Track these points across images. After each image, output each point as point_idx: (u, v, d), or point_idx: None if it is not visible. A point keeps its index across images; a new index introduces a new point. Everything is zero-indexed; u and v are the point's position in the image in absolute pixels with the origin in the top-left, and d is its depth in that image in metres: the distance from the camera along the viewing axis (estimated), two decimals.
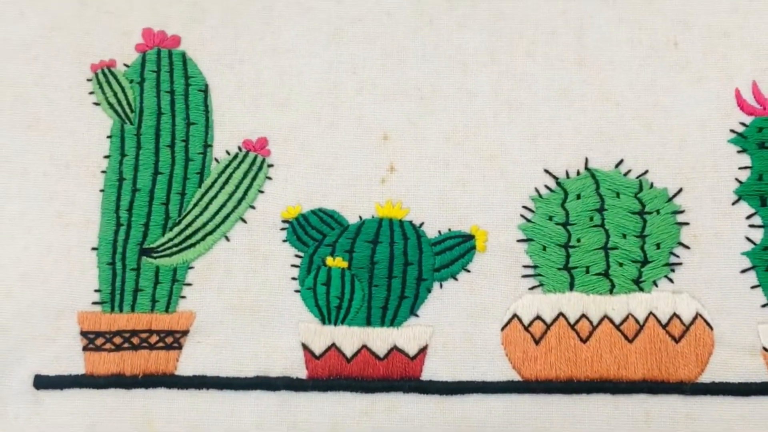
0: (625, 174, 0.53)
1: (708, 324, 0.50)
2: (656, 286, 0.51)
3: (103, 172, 0.54)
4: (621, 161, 0.53)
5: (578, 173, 0.52)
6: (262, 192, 0.54)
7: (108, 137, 0.55)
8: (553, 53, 0.53)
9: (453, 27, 0.55)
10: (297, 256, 0.52)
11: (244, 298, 0.53)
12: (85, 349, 0.49)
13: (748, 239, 0.51)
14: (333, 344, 0.50)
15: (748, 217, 0.52)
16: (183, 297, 0.51)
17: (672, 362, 0.49)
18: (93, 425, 0.49)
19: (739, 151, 0.52)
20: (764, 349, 0.51)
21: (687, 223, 0.52)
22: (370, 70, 0.54)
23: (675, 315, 0.51)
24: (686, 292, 0.52)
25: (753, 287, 0.51)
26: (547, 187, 0.53)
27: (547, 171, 0.53)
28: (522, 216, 0.53)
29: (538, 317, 0.52)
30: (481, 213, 0.53)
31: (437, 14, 0.54)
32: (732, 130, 0.53)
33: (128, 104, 0.52)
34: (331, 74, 0.55)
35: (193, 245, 0.53)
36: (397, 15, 0.54)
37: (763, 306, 0.52)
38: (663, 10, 0.55)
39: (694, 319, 0.51)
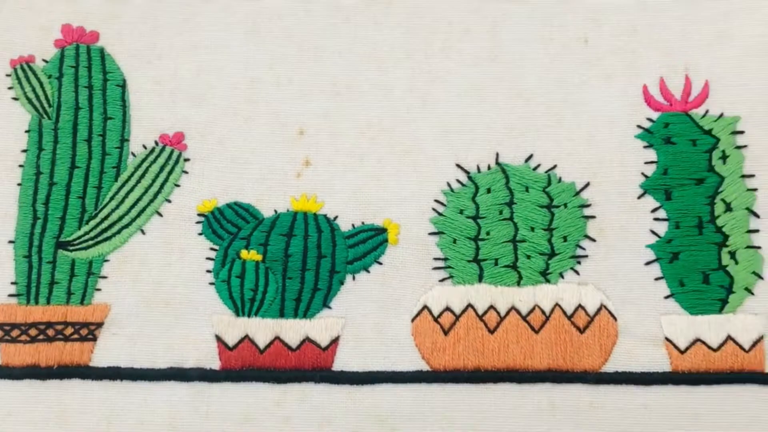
0: (535, 168, 0.54)
1: (612, 315, 0.51)
2: (562, 277, 0.52)
3: (21, 166, 0.54)
4: (531, 156, 0.53)
5: (489, 168, 0.53)
6: (178, 186, 0.54)
7: (26, 132, 0.55)
8: (467, 50, 0.54)
9: (369, 24, 0.55)
10: (212, 249, 0.52)
11: (158, 290, 0.54)
12: (0, 340, 0.49)
13: (653, 232, 0.52)
14: (246, 336, 0.50)
15: (653, 210, 0.53)
16: (98, 289, 0.51)
17: (576, 352, 0.50)
18: (8, 414, 0.50)
19: (645, 146, 0.53)
20: (666, 339, 0.51)
21: (593, 217, 0.53)
22: (287, 66, 0.55)
23: (580, 306, 0.52)
24: (591, 284, 0.53)
25: (657, 279, 0.52)
26: (458, 181, 0.53)
27: (458, 165, 0.54)
28: (434, 209, 0.53)
29: (448, 308, 0.52)
30: (394, 206, 0.54)
31: (354, 11, 0.55)
32: (639, 126, 0.54)
33: (46, 99, 0.52)
34: (248, 70, 0.55)
35: (108, 238, 0.53)
36: (314, 11, 0.55)
37: (666, 297, 0.53)
38: (574, 7, 0.56)
39: (599, 310, 0.52)
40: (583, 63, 0.56)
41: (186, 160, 0.55)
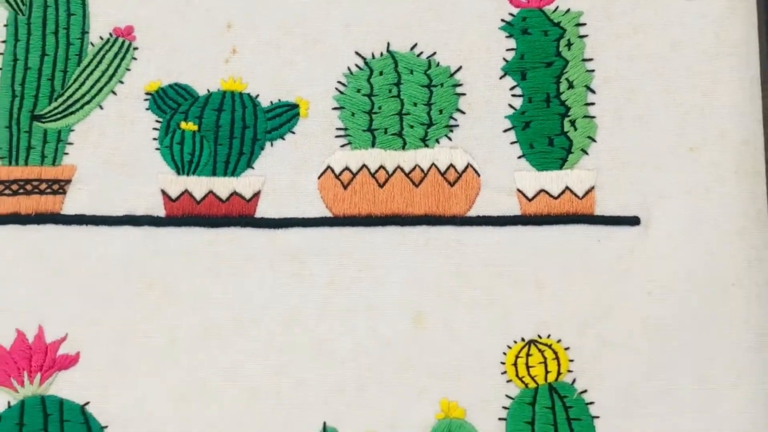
0: (418, 55, 0.60)
1: (476, 172, 0.59)
2: (438, 143, 0.60)
3: (0, 54, 0.60)
4: (415, 45, 0.60)
5: (381, 55, 0.59)
6: (129, 70, 0.60)
7: (4, 26, 0.61)
8: None
9: None
10: (157, 121, 0.59)
11: (115, 154, 0.60)
12: None
13: (511, 106, 0.59)
14: (186, 190, 0.58)
15: (512, 88, 0.60)
16: (66, 153, 0.58)
17: (447, 201, 0.58)
18: None
19: (507, 37, 0.60)
20: (518, 190, 0.59)
21: (464, 94, 0.60)
22: None
23: (451, 165, 0.59)
24: (461, 148, 0.60)
25: (512, 143, 0.60)
26: (357, 66, 0.60)
27: (357, 53, 0.60)
28: (336, 89, 0.60)
29: (347, 168, 0.60)
30: (305, 87, 0.60)
31: None
32: (503, 20, 0.60)
33: None
34: None
35: (73, 112, 0.60)
36: None
37: (519, 157, 0.60)
38: None
39: (466, 168, 0.59)
40: None
41: (135, 48, 0.61)
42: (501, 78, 0.60)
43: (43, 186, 0.58)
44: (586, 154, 0.59)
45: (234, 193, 0.59)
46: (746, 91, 0.60)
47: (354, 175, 0.60)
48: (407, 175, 0.60)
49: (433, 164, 0.60)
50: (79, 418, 0.54)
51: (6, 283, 0.58)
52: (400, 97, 0.60)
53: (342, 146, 0.60)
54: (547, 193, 0.59)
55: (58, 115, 0.61)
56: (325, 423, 0.56)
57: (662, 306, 0.57)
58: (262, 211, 0.59)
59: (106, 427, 0.54)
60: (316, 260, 0.58)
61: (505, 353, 0.57)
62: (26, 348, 0.55)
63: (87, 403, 0.54)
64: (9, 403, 0.54)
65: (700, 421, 0.58)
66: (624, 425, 0.57)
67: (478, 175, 0.59)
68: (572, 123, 0.59)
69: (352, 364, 0.58)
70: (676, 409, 0.58)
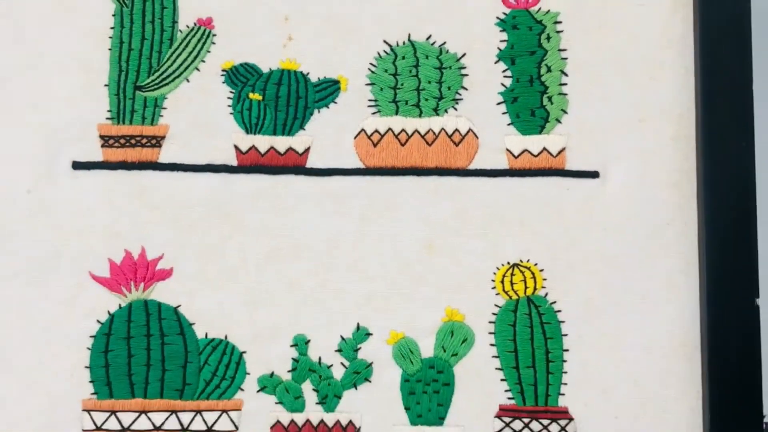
0: (432, 44, 0.68)
1: (475, 135, 0.67)
2: (446, 112, 0.67)
3: (110, 38, 0.68)
4: (429, 36, 0.68)
5: (404, 43, 0.68)
6: (209, 52, 0.68)
7: (113, 16, 0.68)
8: None
9: None
10: (231, 92, 0.67)
11: (198, 117, 0.67)
12: (103, 146, 0.66)
13: (503, 85, 0.67)
14: (253, 146, 0.66)
15: (504, 71, 0.67)
16: (161, 116, 0.66)
17: (453, 157, 0.67)
18: (109, 190, 0.66)
19: (500, 31, 0.68)
20: (507, 150, 0.67)
21: (467, 75, 0.68)
22: None
23: (456, 130, 0.67)
24: (464, 116, 0.68)
25: (503, 113, 0.67)
26: (385, 51, 0.68)
27: (385, 41, 0.68)
28: (369, 69, 0.68)
29: (376, 131, 0.67)
30: (345, 67, 0.68)
31: None
32: (498, 18, 0.68)
33: None
34: None
35: (166, 84, 0.67)
36: None
37: (508, 125, 0.67)
38: None
39: (467, 132, 0.67)
40: None
41: (214, 35, 0.68)
42: (495, 63, 0.68)
43: (144, 141, 0.66)
44: (560, 122, 0.67)
45: (290, 149, 0.67)
46: (683, 76, 0.67)
47: (381, 136, 0.68)
48: (422, 136, 0.68)
49: (442, 129, 0.68)
50: (172, 316, 0.63)
51: (116, 215, 0.66)
52: (417, 77, 0.68)
53: (372, 114, 0.68)
54: (529, 152, 0.67)
55: (155, 87, 0.68)
56: (358, 324, 0.64)
57: (615, 240, 0.66)
58: (311, 162, 0.67)
59: (194, 324, 0.63)
60: (352, 201, 0.66)
61: (495, 273, 0.66)
62: (132, 264, 0.64)
63: (179, 306, 0.64)
64: (120, 305, 0.64)
65: (642, 328, 0.65)
66: (583, 328, 0.65)
67: (477, 138, 0.68)
68: (549, 99, 0.68)
69: (379, 280, 0.66)
70: (623, 317, 0.66)
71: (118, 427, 0.62)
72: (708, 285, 0.64)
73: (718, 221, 0.64)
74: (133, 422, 0.62)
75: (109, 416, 0.62)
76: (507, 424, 0.63)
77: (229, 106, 0.68)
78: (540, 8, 0.68)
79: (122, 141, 0.67)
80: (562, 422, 0.64)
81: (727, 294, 0.63)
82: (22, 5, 0.67)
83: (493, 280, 0.65)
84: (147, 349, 0.63)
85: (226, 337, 0.64)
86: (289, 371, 0.64)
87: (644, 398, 0.64)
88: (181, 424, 0.62)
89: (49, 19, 0.67)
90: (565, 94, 0.67)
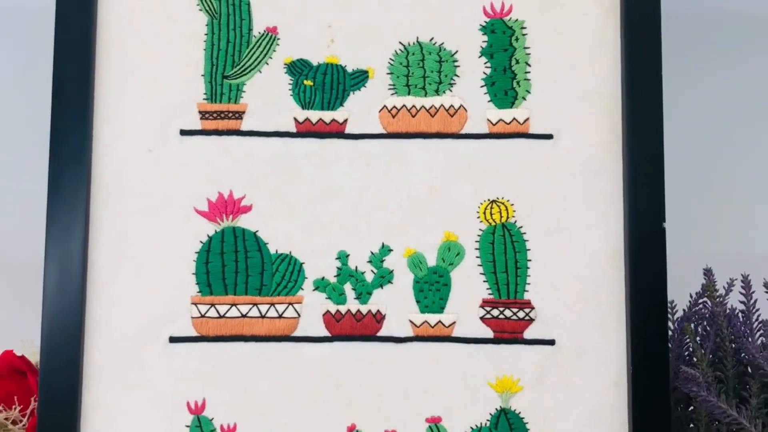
0: (434, 44, 0.77)
1: (465, 109, 0.77)
2: (444, 93, 0.77)
3: (204, 41, 0.77)
4: (432, 38, 0.77)
5: (414, 44, 0.77)
6: (275, 51, 0.77)
7: (206, 25, 0.77)
8: None
9: None
10: (291, 80, 0.77)
11: (268, 97, 0.76)
12: (201, 119, 0.74)
13: (484, 73, 0.77)
14: (307, 118, 0.76)
15: (485, 63, 0.77)
16: (242, 97, 0.76)
17: (449, 125, 0.76)
18: (206, 150, 0.75)
19: (483, 34, 0.78)
20: (487, 119, 0.76)
21: (459, 66, 0.77)
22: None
23: (451, 105, 0.77)
24: (457, 96, 0.77)
25: (485, 94, 0.76)
26: (400, 50, 0.77)
27: (400, 42, 0.77)
28: (389, 62, 0.77)
29: (394, 106, 0.77)
30: (372, 61, 0.77)
31: None
32: (480, 24, 0.77)
33: (213, 9, 0.76)
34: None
35: (245, 74, 0.77)
36: None
37: (488, 101, 0.76)
38: None
39: (459, 107, 0.77)
40: None
41: (278, 39, 0.77)
42: (479, 58, 0.78)
43: (230, 114, 0.76)
44: (525, 100, 0.77)
45: (333, 120, 0.77)
46: (612, 67, 0.77)
47: (398, 110, 0.77)
48: (427, 110, 0.77)
49: (441, 105, 0.77)
50: (252, 238, 0.75)
51: (211, 168, 0.75)
52: (423, 68, 0.77)
53: (391, 94, 0.77)
54: (503, 121, 0.77)
55: (237, 76, 0.77)
56: (383, 243, 0.75)
57: (564, 183, 0.76)
58: (348, 129, 0.77)
59: (267, 243, 0.74)
60: (377, 157, 0.77)
61: (479, 207, 0.76)
62: (223, 202, 0.75)
63: (257, 231, 0.75)
64: (215, 230, 0.75)
65: (583, 244, 0.75)
66: (541, 245, 0.75)
67: (466, 111, 0.77)
68: (518, 83, 0.77)
69: (397, 212, 0.76)
70: (570, 237, 0.76)
71: (216, 315, 0.75)
72: (629, 213, 0.75)
73: (636, 169, 0.75)
74: (226, 312, 0.75)
75: (210, 308, 0.75)
76: (488, 312, 0.76)
77: (290, 89, 0.77)
78: (511, 18, 0.78)
79: (214, 115, 0.76)
80: (527, 310, 0.76)
81: (642, 219, 0.75)
82: (141, 18, 0.76)
83: (477, 212, 0.76)
84: (235, 261, 0.75)
85: (290, 253, 0.76)
86: (334, 276, 0.76)
87: (584, 292, 0.75)
88: (260, 312, 0.75)
89: (161, 27, 0.77)
90: (529, 80, 0.77)
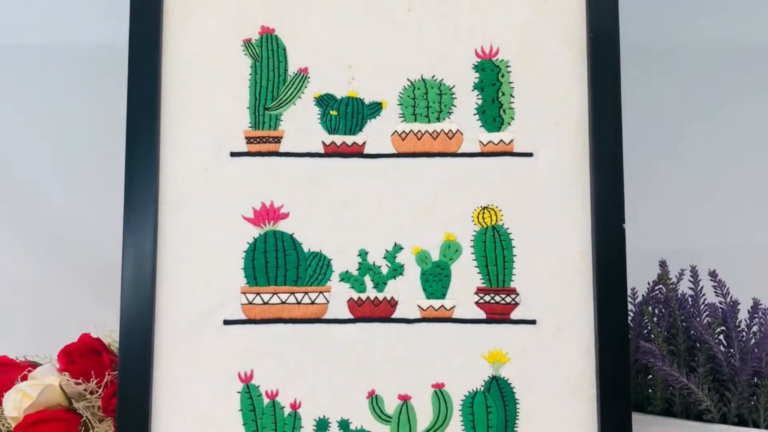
0: (435, 80, 0.84)
1: (461, 133, 0.83)
2: (444, 120, 0.84)
3: (249, 79, 0.84)
4: (434, 75, 0.84)
5: (419, 80, 0.84)
6: (306, 87, 0.84)
7: (250, 66, 0.84)
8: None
9: None
10: (319, 111, 0.84)
11: (301, 125, 0.82)
12: (247, 143, 0.81)
13: (477, 103, 0.83)
14: (332, 141, 0.83)
15: (477, 96, 0.83)
16: (280, 125, 0.83)
17: (448, 146, 0.83)
18: (251, 169, 0.82)
19: (475, 72, 0.85)
20: (479, 140, 0.82)
21: (456, 98, 0.84)
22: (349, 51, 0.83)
23: (450, 130, 0.83)
24: (455, 122, 0.84)
25: (477, 120, 0.82)
26: (407, 85, 0.85)
27: (408, 79, 0.84)
28: (398, 96, 0.84)
29: (404, 131, 0.84)
30: (384, 94, 0.84)
31: None
32: (473, 64, 0.84)
33: (256, 53, 0.83)
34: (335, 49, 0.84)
35: (282, 106, 0.84)
36: None
37: (480, 126, 0.82)
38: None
39: (456, 131, 0.84)
40: (453, 32, 0.83)
41: (309, 78, 0.84)
42: (472, 91, 0.85)
43: (270, 139, 0.83)
44: (510, 125, 0.84)
45: (354, 143, 0.84)
46: (582, 99, 0.83)
47: (407, 134, 0.85)
48: (430, 134, 0.84)
49: (442, 129, 0.84)
50: (289, 239, 0.82)
51: (255, 182, 0.82)
52: (427, 100, 0.84)
53: (401, 121, 0.84)
54: (492, 142, 0.84)
55: (276, 108, 0.84)
56: (395, 242, 0.82)
57: (542, 192, 0.83)
58: (367, 150, 0.84)
59: (302, 243, 0.82)
60: (390, 172, 0.83)
61: (473, 212, 0.83)
62: (266, 210, 0.82)
63: (293, 233, 0.83)
64: (259, 233, 0.82)
65: (557, 242, 0.81)
66: (525, 243, 0.82)
67: (462, 134, 0.84)
68: (504, 111, 0.84)
69: (407, 217, 0.83)
70: (547, 237, 0.81)
71: (261, 302, 0.83)
72: (595, 217, 0.81)
73: (601, 180, 0.81)
74: (269, 299, 0.83)
75: (256, 296, 0.83)
76: (481, 297, 0.83)
77: (319, 118, 0.84)
78: (498, 58, 0.84)
79: (258, 140, 0.83)
80: (513, 296, 0.83)
81: (606, 221, 0.81)
82: (199, 61, 0.83)
83: (472, 216, 0.83)
84: (276, 258, 0.83)
85: (320, 251, 0.83)
86: (356, 270, 0.83)
87: (559, 281, 0.82)
88: (296, 299, 0.83)
89: (215, 69, 0.84)
90: (513, 109, 0.84)
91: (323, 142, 0.85)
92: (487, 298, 0.85)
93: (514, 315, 0.84)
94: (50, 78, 1.22)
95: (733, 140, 1.23)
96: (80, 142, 1.17)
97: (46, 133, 1.22)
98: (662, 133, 1.25)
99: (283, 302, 0.84)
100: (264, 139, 0.85)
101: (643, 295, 1.01)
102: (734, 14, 1.23)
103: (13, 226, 1.23)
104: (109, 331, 1.00)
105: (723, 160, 1.24)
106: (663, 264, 0.99)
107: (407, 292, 0.84)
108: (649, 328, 0.97)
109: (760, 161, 1.24)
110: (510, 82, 0.85)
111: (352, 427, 0.84)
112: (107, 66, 1.09)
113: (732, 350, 0.93)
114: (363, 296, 0.85)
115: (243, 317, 0.85)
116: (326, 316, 0.85)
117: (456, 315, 0.84)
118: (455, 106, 0.86)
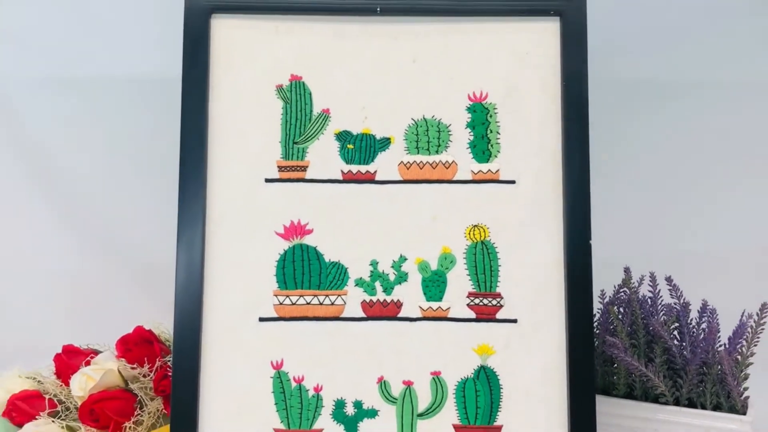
0: (434, 120, 0.92)
1: (456, 163, 0.90)
2: (442, 153, 0.91)
3: (281, 118, 0.91)
4: (434, 115, 0.91)
5: (421, 120, 0.92)
6: (328, 124, 0.91)
7: (282, 108, 0.91)
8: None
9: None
10: (338, 145, 0.91)
11: (323, 156, 0.89)
12: (278, 171, 0.89)
13: (469, 139, 0.91)
14: (350, 170, 0.90)
15: (469, 133, 0.91)
16: (306, 156, 0.89)
17: (445, 174, 0.90)
18: (282, 193, 0.90)
19: (468, 113, 0.92)
20: (471, 170, 0.89)
21: (452, 134, 0.92)
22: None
23: (446, 161, 0.91)
24: (450, 154, 0.91)
25: (469, 153, 0.90)
26: (411, 124, 0.92)
27: (412, 119, 0.92)
28: (404, 132, 0.91)
29: (408, 162, 0.91)
30: (392, 131, 0.92)
31: None
32: (466, 107, 0.92)
33: (287, 96, 0.90)
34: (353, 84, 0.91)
35: (308, 141, 0.91)
36: None
37: (471, 158, 0.90)
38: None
39: (452, 162, 0.91)
40: (447, 83, 0.90)
41: (330, 117, 0.91)
42: (465, 128, 0.93)
43: (298, 168, 0.90)
44: (497, 157, 0.91)
45: (367, 171, 0.91)
46: (556, 135, 0.90)
47: (411, 164, 0.92)
48: (430, 164, 0.92)
49: (440, 160, 0.92)
50: (313, 251, 0.90)
51: (285, 204, 0.89)
52: (428, 136, 0.92)
53: (406, 153, 0.92)
54: (482, 171, 0.91)
55: (303, 142, 0.92)
56: (400, 254, 0.91)
57: (523, 213, 0.90)
58: (378, 177, 0.92)
59: (323, 254, 0.89)
60: (397, 196, 0.91)
61: (465, 229, 0.90)
62: (293, 227, 0.90)
63: (316, 246, 0.90)
64: (289, 246, 0.90)
65: (536, 254, 0.88)
66: (508, 255, 0.89)
67: (457, 165, 0.92)
68: (492, 146, 0.92)
69: (410, 233, 0.92)
70: (527, 249, 0.90)
71: (290, 303, 0.90)
72: (567, 233, 0.89)
73: (571, 202, 0.89)
74: (296, 301, 0.91)
75: (285, 298, 0.91)
76: (472, 300, 0.91)
77: (338, 151, 0.93)
78: (486, 101, 0.92)
79: (288, 168, 0.91)
80: (498, 299, 0.90)
81: (576, 237, 0.88)
82: (239, 102, 0.91)
83: (464, 233, 0.91)
84: (302, 266, 0.90)
85: (338, 261, 0.91)
86: (368, 277, 0.91)
87: (537, 287, 0.89)
88: (319, 301, 0.91)
89: (252, 109, 0.92)
90: (499, 143, 0.92)
91: (342, 171, 0.93)
92: (477, 300, 0.92)
93: (499, 315, 0.92)
94: (118, 106, 1.37)
95: (682, 170, 1.38)
96: (140, 165, 1.34)
97: (115, 153, 1.37)
98: (624, 160, 1.39)
99: (308, 303, 0.92)
100: (293, 168, 0.93)
101: (609, 297, 1.06)
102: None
103: (77, 234, 1.39)
104: (158, 323, 1.12)
105: (675, 183, 1.39)
106: (627, 270, 1.05)
107: (411, 296, 0.92)
108: (614, 324, 1.01)
109: (702, 184, 1.39)
110: (497, 122, 0.93)
111: (365, 406, 0.91)
112: (162, 96, 1.23)
113: (684, 344, 0.98)
114: (374, 299, 0.92)
115: (275, 315, 0.92)
116: (343, 315, 0.92)
117: (451, 315, 0.92)
118: (451, 141, 0.93)
